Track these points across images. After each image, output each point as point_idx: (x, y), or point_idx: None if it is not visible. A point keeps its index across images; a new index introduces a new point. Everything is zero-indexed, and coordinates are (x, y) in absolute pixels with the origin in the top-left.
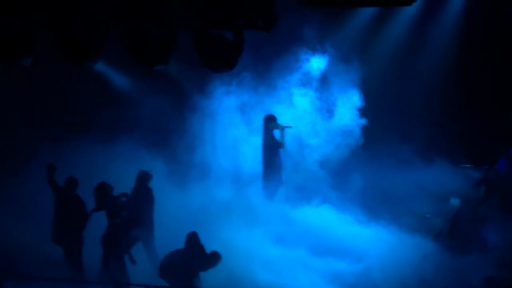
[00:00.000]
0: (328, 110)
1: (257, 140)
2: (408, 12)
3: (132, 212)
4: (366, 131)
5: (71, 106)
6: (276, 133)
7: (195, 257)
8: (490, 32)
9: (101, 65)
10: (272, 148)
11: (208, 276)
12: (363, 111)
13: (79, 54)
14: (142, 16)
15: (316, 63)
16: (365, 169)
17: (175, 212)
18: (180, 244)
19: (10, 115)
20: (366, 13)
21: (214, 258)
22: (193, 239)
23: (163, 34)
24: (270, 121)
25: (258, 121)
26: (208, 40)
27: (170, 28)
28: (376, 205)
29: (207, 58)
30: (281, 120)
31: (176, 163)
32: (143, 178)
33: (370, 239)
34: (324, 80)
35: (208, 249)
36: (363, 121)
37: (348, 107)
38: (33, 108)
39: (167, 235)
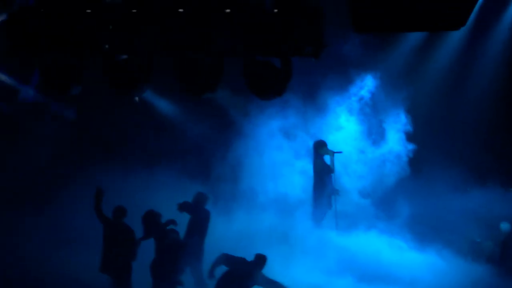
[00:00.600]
0: (376, 135)
1: (303, 165)
2: (456, 37)
3: (189, 235)
4: (415, 156)
5: (113, 132)
6: (327, 158)
7: (240, 268)
8: None
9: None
10: (322, 174)
11: None
12: (412, 136)
13: (127, 84)
14: (191, 46)
15: (364, 88)
16: (414, 194)
17: (219, 239)
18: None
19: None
20: (414, 38)
21: (258, 260)
22: (228, 258)
23: (211, 62)
24: (320, 147)
25: (305, 146)
26: (256, 67)
27: (219, 57)
28: (426, 230)
29: (256, 85)
30: (329, 145)
31: (220, 189)
32: (200, 200)
33: (421, 264)
34: (372, 105)
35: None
36: (412, 146)
37: (396, 131)
38: (74, 133)
39: (211, 262)
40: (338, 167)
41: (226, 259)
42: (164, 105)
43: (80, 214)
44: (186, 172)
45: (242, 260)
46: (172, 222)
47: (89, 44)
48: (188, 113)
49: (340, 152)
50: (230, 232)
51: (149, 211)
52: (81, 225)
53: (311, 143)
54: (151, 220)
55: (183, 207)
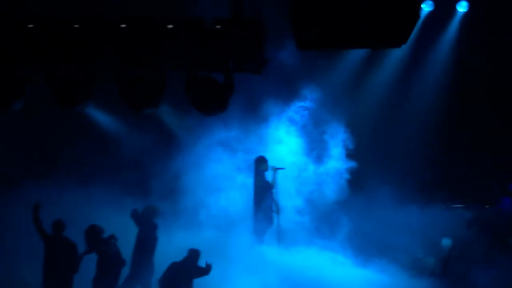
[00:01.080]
0: (318, 150)
1: (244, 179)
2: (397, 54)
3: (138, 250)
4: (357, 171)
5: (50, 145)
6: (268, 174)
7: (177, 271)
8: (481, 73)
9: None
10: (263, 190)
11: None
12: (354, 152)
13: (69, 98)
14: (134, 62)
15: (306, 102)
16: (357, 211)
17: (159, 256)
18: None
19: None
20: (356, 55)
21: (191, 254)
22: (164, 277)
23: (154, 78)
24: (260, 163)
25: (247, 160)
26: (198, 83)
27: (162, 72)
28: (369, 247)
29: (198, 101)
30: (271, 160)
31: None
32: (149, 213)
33: (364, 281)
34: (313, 120)
35: None
36: (353, 162)
37: (338, 147)
38: (12, 146)
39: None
40: (279, 183)
41: (163, 279)
42: (104, 119)
43: (17, 230)
44: (124, 187)
45: (174, 265)
46: (113, 237)
47: (32, 59)
48: (128, 127)
49: (282, 168)
50: (169, 250)
51: (92, 226)
52: (19, 240)
53: (252, 157)
54: (94, 235)
55: (133, 214)
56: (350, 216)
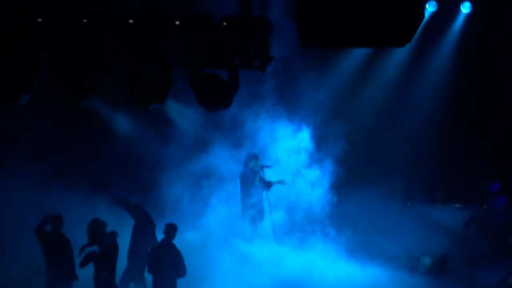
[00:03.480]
0: (313, 151)
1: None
2: (400, 55)
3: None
4: (355, 172)
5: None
6: (257, 171)
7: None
8: (484, 74)
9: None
10: (249, 186)
11: None
12: (351, 153)
13: (76, 92)
14: (141, 57)
15: (305, 103)
16: (353, 210)
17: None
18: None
19: None
20: (359, 54)
21: (169, 227)
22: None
23: (161, 74)
24: (250, 159)
25: (241, 157)
26: (204, 79)
27: (168, 68)
28: (364, 245)
29: (204, 97)
30: (262, 159)
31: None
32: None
33: (360, 279)
34: (311, 120)
35: None
36: (350, 163)
37: (334, 149)
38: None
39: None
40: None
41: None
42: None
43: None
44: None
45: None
46: (115, 233)
47: (40, 52)
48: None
49: (269, 167)
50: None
51: (95, 220)
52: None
53: (244, 154)
54: (96, 229)
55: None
56: (346, 215)
